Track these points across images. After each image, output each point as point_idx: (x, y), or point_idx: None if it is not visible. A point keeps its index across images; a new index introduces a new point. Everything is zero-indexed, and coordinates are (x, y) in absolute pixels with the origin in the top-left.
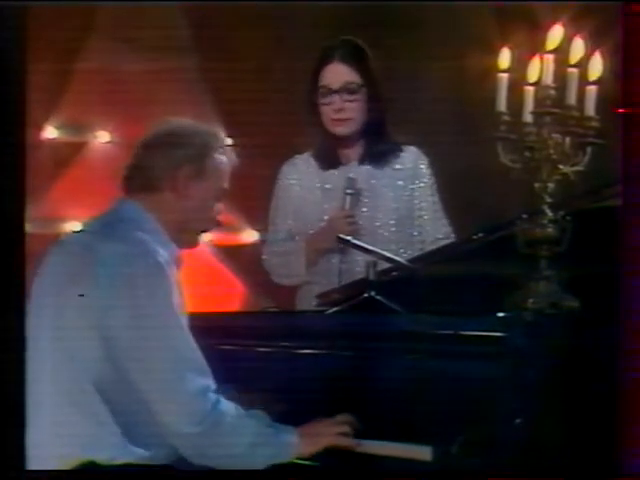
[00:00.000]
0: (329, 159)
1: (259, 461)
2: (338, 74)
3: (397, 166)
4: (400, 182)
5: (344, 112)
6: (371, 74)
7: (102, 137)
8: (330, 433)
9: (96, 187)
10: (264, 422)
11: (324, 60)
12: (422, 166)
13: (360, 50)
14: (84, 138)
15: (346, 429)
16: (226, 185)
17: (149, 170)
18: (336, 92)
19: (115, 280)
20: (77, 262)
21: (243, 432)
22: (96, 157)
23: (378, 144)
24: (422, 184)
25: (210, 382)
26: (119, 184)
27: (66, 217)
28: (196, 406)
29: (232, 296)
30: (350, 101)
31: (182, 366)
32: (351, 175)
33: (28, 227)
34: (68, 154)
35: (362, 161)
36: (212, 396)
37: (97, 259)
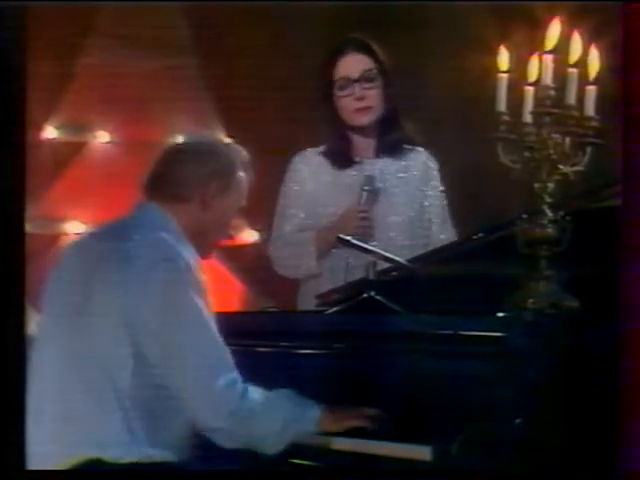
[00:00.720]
0: (342, 156)
1: (287, 438)
2: (356, 63)
3: (409, 166)
4: (411, 181)
5: (365, 100)
6: (383, 63)
7: (102, 137)
8: (356, 415)
9: (96, 187)
10: (292, 400)
11: (337, 53)
12: (432, 169)
13: (369, 44)
14: (84, 138)
15: (373, 414)
16: (244, 202)
17: (178, 181)
18: (356, 81)
19: (145, 280)
20: (101, 262)
21: (274, 415)
22: (96, 157)
23: (393, 136)
24: (431, 186)
25: (236, 374)
26: (141, 190)
27: (66, 217)
28: (228, 399)
29: (232, 296)
30: (369, 89)
31: (212, 363)
32: (369, 173)
33: (28, 227)
34: (68, 154)
35: (377, 154)
36: (240, 387)
37: (124, 259)
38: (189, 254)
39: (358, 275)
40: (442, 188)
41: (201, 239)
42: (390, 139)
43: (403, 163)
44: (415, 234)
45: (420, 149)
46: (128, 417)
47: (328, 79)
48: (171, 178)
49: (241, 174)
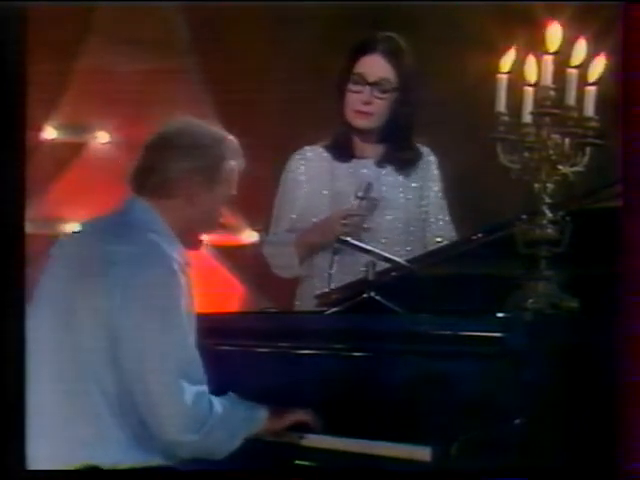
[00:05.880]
0: (344, 150)
1: (237, 440)
2: (376, 67)
3: (412, 169)
4: (413, 185)
5: (370, 106)
6: (408, 77)
7: (101, 138)
8: (298, 412)
9: (95, 188)
10: (240, 404)
11: (364, 49)
12: (433, 168)
13: (402, 50)
14: (83, 139)
15: (307, 412)
16: (234, 191)
17: (163, 174)
18: (369, 84)
19: (128, 282)
20: (89, 262)
21: (231, 424)
22: (95, 158)
23: (399, 150)
24: (432, 186)
25: (205, 386)
26: (128, 183)
27: (65, 217)
28: (195, 415)
29: (232, 296)
30: (379, 98)
31: (181, 376)
32: (368, 179)
33: (28, 227)
34: (67, 154)
35: (380, 163)
36: (207, 401)
37: (111, 260)
38: (176, 253)
39: (345, 278)
40: (442, 186)
41: (189, 233)
42: (395, 151)
43: (406, 167)
44: (415, 235)
45: (424, 148)
46: (118, 422)
47: (347, 71)
48: (156, 173)
49: (231, 163)
